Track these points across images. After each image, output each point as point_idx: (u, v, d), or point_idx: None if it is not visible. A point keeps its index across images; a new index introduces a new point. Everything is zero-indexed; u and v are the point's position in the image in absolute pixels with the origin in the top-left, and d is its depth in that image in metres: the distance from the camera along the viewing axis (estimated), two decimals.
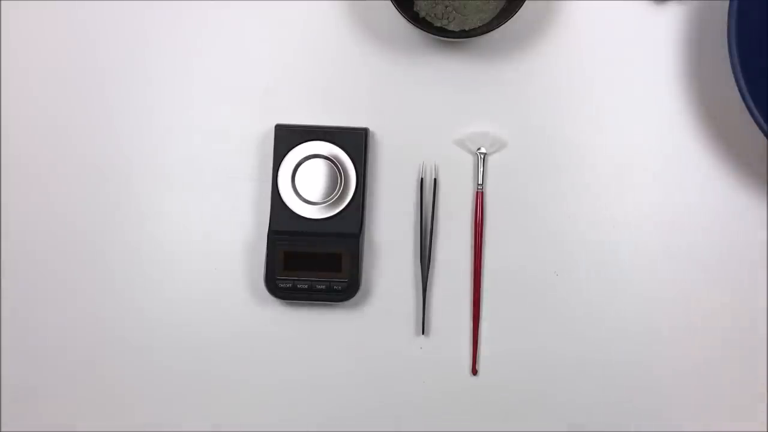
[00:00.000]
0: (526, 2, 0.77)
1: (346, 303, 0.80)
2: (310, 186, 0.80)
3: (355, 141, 0.80)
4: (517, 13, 0.77)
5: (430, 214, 0.82)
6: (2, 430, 0.81)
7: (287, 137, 0.80)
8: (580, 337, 0.81)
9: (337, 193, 0.80)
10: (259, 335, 0.81)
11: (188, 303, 0.81)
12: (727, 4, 0.78)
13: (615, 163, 0.82)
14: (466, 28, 0.81)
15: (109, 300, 0.81)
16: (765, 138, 0.79)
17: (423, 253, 0.81)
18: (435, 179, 0.82)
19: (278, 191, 0.80)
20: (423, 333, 0.81)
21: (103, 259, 0.82)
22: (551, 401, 0.81)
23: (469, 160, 0.82)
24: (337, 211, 0.80)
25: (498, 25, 0.77)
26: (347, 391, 0.81)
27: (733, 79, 0.75)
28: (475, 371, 0.81)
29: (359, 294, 0.80)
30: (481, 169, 0.82)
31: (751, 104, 0.74)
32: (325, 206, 0.80)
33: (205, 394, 0.81)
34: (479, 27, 0.80)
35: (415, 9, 0.81)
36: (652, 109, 0.82)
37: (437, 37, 0.78)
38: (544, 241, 0.82)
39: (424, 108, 0.83)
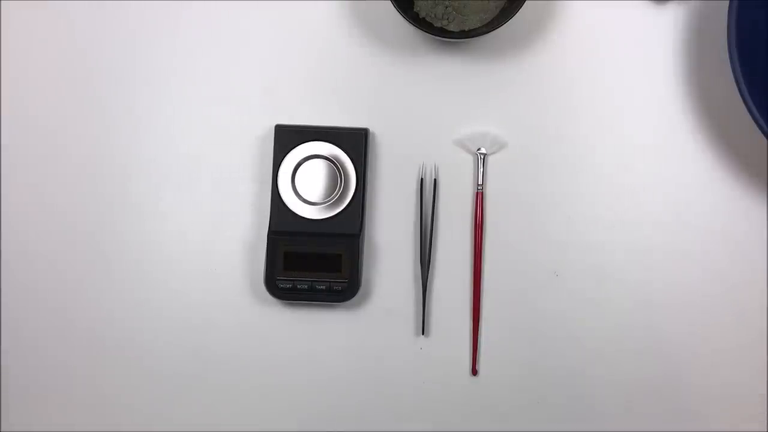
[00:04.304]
0: (526, 2, 0.77)
1: (346, 303, 0.80)
2: (310, 186, 0.80)
3: (355, 141, 0.80)
4: (517, 14, 0.77)
5: (430, 215, 0.82)
6: (2, 430, 0.81)
7: (287, 137, 0.80)
8: (580, 337, 0.81)
9: (337, 194, 0.80)
10: (259, 335, 0.81)
11: (188, 303, 0.81)
12: (727, 4, 0.78)
13: (615, 163, 0.82)
14: (466, 29, 0.81)
15: (109, 300, 0.81)
16: (765, 138, 0.79)
17: (423, 253, 0.81)
18: (435, 179, 0.82)
19: (278, 191, 0.80)
20: (423, 333, 0.81)
21: (103, 259, 0.82)
22: (551, 401, 0.81)
23: (469, 160, 0.82)
24: (337, 211, 0.80)
25: (498, 26, 0.77)
26: (347, 391, 0.81)
27: (733, 79, 0.75)
28: (475, 371, 0.81)
29: (359, 294, 0.80)
30: (481, 169, 0.82)
31: (751, 104, 0.74)
32: (325, 206, 0.80)
33: (205, 394, 0.81)
34: (479, 27, 0.80)
35: (415, 9, 0.81)
36: (652, 109, 0.82)
37: (437, 37, 0.78)
38: (544, 241, 0.82)
39: (424, 108, 0.83)
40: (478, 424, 0.81)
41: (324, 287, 0.79)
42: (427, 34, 0.78)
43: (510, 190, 0.82)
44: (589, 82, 0.83)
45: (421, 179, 0.82)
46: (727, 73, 0.76)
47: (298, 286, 0.79)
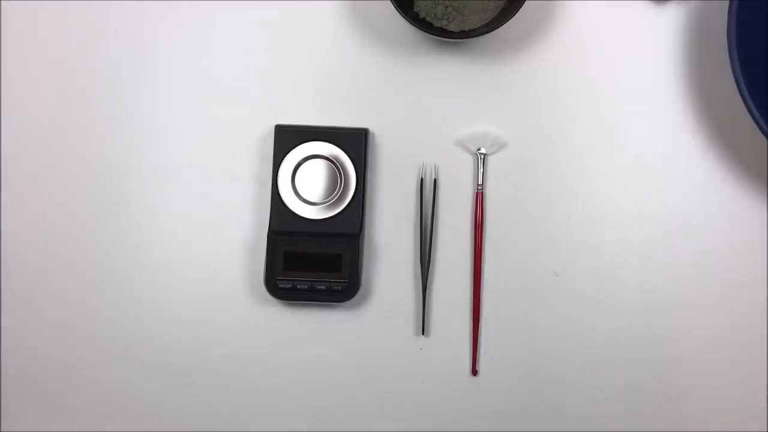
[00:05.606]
0: (526, 2, 0.77)
1: (346, 303, 0.80)
2: (310, 186, 0.80)
3: (355, 141, 0.80)
4: (517, 14, 0.77)
5: (430, 215, 0.82)
6: (2, 430, 0.81)
7: (287, 137, 0.80)
8: (580, 337, 0.81)
9: (337, 194, 0.80)
10: (259, 335, 0.81)
11: (188, 303, 0.81)
12: (727, 4, 0.78)
13: (615, 163, 0.82)
14: (466, 29, 0.81)
15: (109, 300, 0.81)
16: (765, 138, 0.79)
17: (423, 254, 0.81)
18: (435, 179, 0.82)
19: (278, 191, 0.80)
20: (423, 333, 0.81)
21: (102, 259, 0.82)
22: (551, 401, 0.81)
23: (469, 160, 0.82)
24: (337, 211, 0.80)
25: (498, 26, 0.77)
26: (347, 391, 0.81)
27: (733, 79, 0.75)
28: (475, 371, 0.81)
29: (359, 294, 0.80)
30: (481, 169, 0.82)
31: (751, 104, 0.74)
32: (325, 206, 0.80)
33: (205, 394, 0.81)
34: (479, 27, 0.80)
35: (415, 9, 0.81)
36: (652, 110, 0.82)
37: (437, 37, 0.78)
38: (544, 241, 0.82)
39: (424, 108, 0.83)
40: (478, 424, 0.81)
41: (324, 287, 0.79)
42: (427, 34, 0.78)
43: (510, 190, 0.82)
44: (589, 82, 0.83)
45: (421, 179, 0.82)
46: (727, 73, 0.76)
47: (298, 286, 0.79)
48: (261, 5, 0.83)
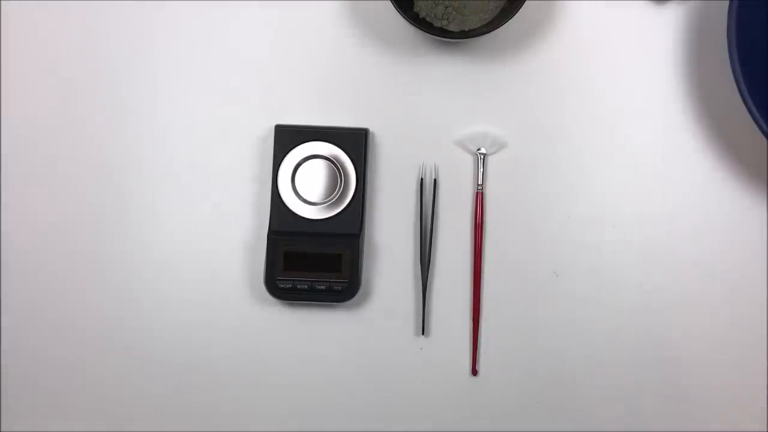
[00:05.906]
0: (526, 2, 0.77)
1: (346, 303, 0.80)
2: (310, 186, 0.80)
3: (355, 141, 0.80)
4: (517, 14, 0.77)
5: (430, 215, 0.82)
6: (2, 430, 0.81)
7: (287, 137, 0.80)
8: (580, 337, 0.81)
9: (337, 194, 0.80)
10: (259, 335, 0.81)
11: (188, 303, 0.81)
12: (727, 4, 0.78)
13: (615, 163, 0.82)
14: (466, 29, 0.81)
15: (109, 301, 0.81)
16: (765, 138, 0.79)
17: (423, 254, 0.81)
18: (435, 179, 0.82)
19: (278, 191, 0.80)
20: (423, 333, 0.81)
21: (102, 259, 0.82)
22: (551, 401, 0.81)
23: (469, 160, 0.82)
24: (337, 211, 0.80)
25: (498, 26, 0.77)
26: (347, 391, 0.81)
27: (733, 79, 0.75)
28: (475, 371, 0.81)
29: (359, 294, 0.80)
30: (481, 169, 0.82)
31: (751, 104, 0.74)
32: (325, 206, 0.80)
33: (205, 395, 0.81)
34: (479, 27, 0.80)
35: (415, 9, 0.81)
36: (652, 109, 0.82)
37: (437, 37, 0.78)
38: (544, 241, 0.82)
39: (424, 108, 0.83)
40: (478, 424, 0.81)
41: (324, 287, 0.79)
42: (427, 34, 0.78)
43: (510, 190, 0.82)
44: (589, 82, 0.83)
45: (421, 179, 0.82)
46: (727, 73, 0.76)
47: (298, 286, 0.79)
48: (261, 5, 0.83)
